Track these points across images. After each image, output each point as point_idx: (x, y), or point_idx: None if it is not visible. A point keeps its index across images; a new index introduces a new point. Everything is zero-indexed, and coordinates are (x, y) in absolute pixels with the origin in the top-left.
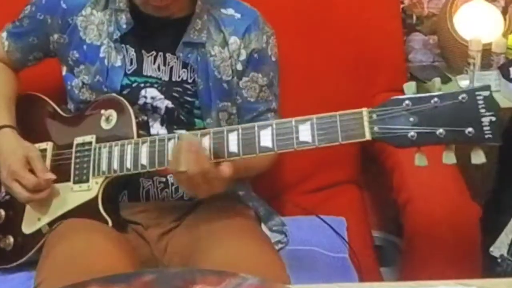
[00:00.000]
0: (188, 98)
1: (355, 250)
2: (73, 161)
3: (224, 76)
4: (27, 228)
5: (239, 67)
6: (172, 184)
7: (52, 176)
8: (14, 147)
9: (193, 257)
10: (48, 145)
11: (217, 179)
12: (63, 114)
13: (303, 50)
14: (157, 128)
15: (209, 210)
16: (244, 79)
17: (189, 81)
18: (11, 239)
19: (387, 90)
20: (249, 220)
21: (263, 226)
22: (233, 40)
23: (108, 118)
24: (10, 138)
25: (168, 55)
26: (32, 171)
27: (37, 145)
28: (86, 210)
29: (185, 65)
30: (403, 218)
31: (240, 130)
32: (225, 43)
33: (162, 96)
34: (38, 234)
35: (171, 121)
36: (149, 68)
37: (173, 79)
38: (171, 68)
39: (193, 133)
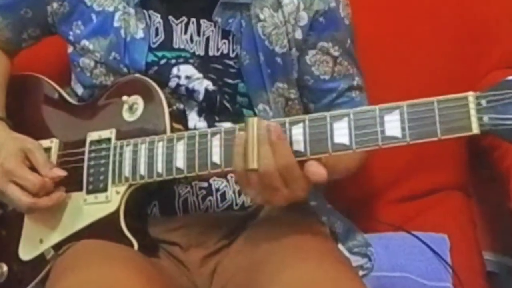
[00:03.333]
0: (229, 80)
1: (461, 278)
2: (86, 164)
3: (278, 47)
4: (26, 252)
5: (299, 35)
6: (217, 190)
7: (61, 172)
8: (5, 141)
9: (252, 285)
10: (52, 143)
11: (302, 182)
12: (72, 102)
13: (390, 19)
14: (193, 120)
15: (269, 224)
16: (311, 52)
17: (231, 55)
18: (4, 268)
19: (503, 66)
20: (323, 238)
21: (340, 247)
22: (289, 0)
23: (132, 107)
24: (1, 131)
25: (202, 21)
26: (32, 168)
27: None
28: (103, 228)
29: (225, 35)
30: None
31: (306, 122)
32: (278, 4)
33: (200, 75)
34: (40, 260)
35: (211, 110)
36: (180, 39)
37: (210, 54)
38: (207, 38)
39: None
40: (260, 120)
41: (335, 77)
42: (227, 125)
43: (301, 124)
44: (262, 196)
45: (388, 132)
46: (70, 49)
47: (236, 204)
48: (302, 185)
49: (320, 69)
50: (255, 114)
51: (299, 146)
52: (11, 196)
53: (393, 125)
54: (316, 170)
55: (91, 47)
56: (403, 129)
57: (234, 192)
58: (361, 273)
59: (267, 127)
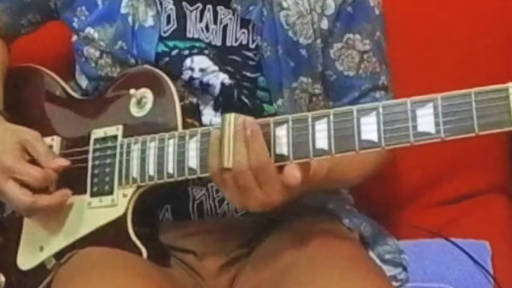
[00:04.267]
0: (249, 73)
1: None
2: (90, 163)
3: (302, 38)
4: (25, 261)
5: (325, 25)
6: None
7: (64, 162)
8: (4, 133)
9: None
10: (54, 141)
11: (277, 184)
12: (75, 96)
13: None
14: (209, 116)
15: (293, 230)
16: (336, 45)
17: (251, 46)
18: (1, 279)
19: None
20: (353, 245)
21: (371, 254)
22: None
23: (141, 101)
24: None
25: (220, 8)
26: (33, 162)
27: None
28: (109, 235)
29: (244, 23)
30: None
31: (331, 117)
32: None
33: (215, 68)
34: (41, 270)
35: (228, 105)
36: (194, 28)
37: (228, 44)
38: (225, 27)
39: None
40: (238, 116)
41: (360, 75)
42: None
43: (325, 119)
44: (238, 199)
45: (421, 128)
46: (74, 37)
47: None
48: (277, 188)
49: (345, 65)
50: (277, 108)
51: (323, 143)
52: (10, 195)
53: (426, 119)
54: (290, 172)
55: (96, 35)
56: (437, 124)
57: None
58: (394, 284)
59: (243, 123)
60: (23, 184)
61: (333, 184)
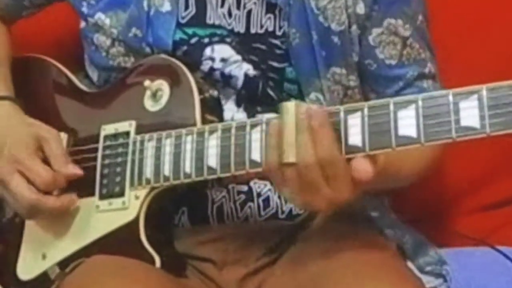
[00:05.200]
0: (275, 63)
1: None
2: (99, 162)
3: (334, 24)
4: (26, 271)
5: (361, 9)
6: (259, 195)
7: (77, 170)
8: (18, 124)
9: None
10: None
11: (347, 180)
12: (84, 89)
13: None
14: (231, 111)
15: (323, 237)
16: (376, 31)
17: (277, 33)
18: None
19: None
20: (389, 255)
21: (409, 264)
22: None
23: (156, 94)
24: (10, 113)
25: None
26: (45, 162)
27: None
28: (119, 241)
29: (270, 8)
30: None
31: (365, 111)
32: None
33: (238, 57)
34: (43, 281)
35: (252, 99)
36: (215, 14)
37: (252, 31)
38: (249, 13)
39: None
40: (299, 104)
41: (403, 62)
42: (271, 116)
43: (358, 113)
44: (301, 197)
45: (464, 122)
46: (82, 23)
47: (282, 212)
48: (347, 185)
49: (386, 52)
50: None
51: (357, 139)
52: (15, 189)
53: (470, 113)
54: (360, 166)
55: (107, 21)
56: (482, 118)
57: (279, 197)
58: None
59: (307, 112)
60: (29, 181)
61: (387, 181)
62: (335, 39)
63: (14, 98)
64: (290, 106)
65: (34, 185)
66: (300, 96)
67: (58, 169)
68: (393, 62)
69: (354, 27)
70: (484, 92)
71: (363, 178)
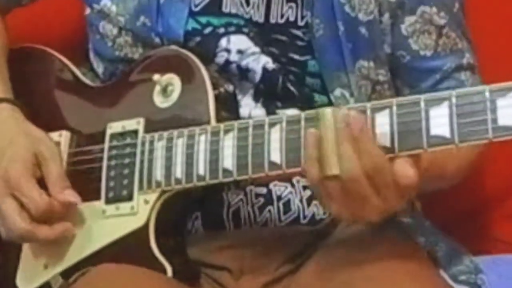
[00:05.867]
0: (296, 56)
1: None
2: (105, 164)
3: (362, 14)
4: (26, 281)
5: None
6: (279, 198)
7: (75, 198)
8: (15, 137)
9: None
10: (62, 137)
11: (393, 187)
12: (88, 83)
13: None
14: (248, 107)
15: (348, 244)
16: (409, 19)
17: (299, 23)
18: None
19: None
20: (420, 263)
21: (442, 273)
22: None
23: (166, 89)
24: (8, 121)
25: None
26: (41, 181)
27: None
28: (127, 249)
29: None
30: None
31: (394, 108)
32: None
33: (256, 49)
34: None
35: (271, 94)
36: (231, 2)
37: (272, 21)
38: (268, 1)
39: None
40: (337, 110)
41: (440, 53)
42: (293, 112)
43: (386, 111)
44: (349, 210)
45: (502, 121)
46: (87, 10)
47: (304, 217)
48: (397, 191)
49: (420, 42)
50: (330, 101)
51: (385, 140)
52: (6, 214)
53: (508, 111)
54: (403, 171)
55: (114, 9)
56: None
57: (301, 200)
58: None
59: (345, 120)
60: (23, 206)
61: (432, 182)
62: (363, 30)
63: (13, 100)
64: (327, 113)
65: (29, 212)
66: (324, 91)
67: (54, 195)
68: (428, 53)
69: (386, 15)
70: None
71: (407, 183)
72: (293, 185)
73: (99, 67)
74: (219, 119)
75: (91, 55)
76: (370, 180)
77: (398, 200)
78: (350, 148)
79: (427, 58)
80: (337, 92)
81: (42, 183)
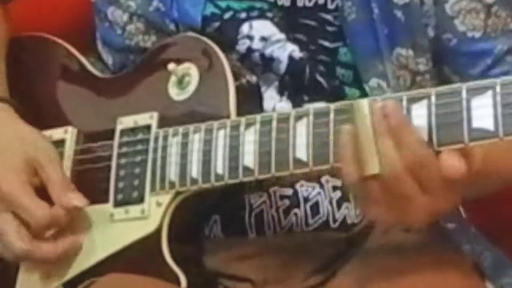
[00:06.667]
0: (326, 43)
1: None
2: (114, 163)
3: None
4: None
5: None
6: (306, 200)
7: (81, 202)
8: (7, 144)
9: None
10: (67, 133)
11: (443, 183)
12: (96, 74)
13: None
14: (272, 100)
15: (385, 252)
16: None
17: (330, 7)
18: None
19: None
20: (465, 274)
21: (488, 285)
22: None
23: (183, 80)
24: (3, 123)
25: None
26: (41, 189)
27: (47, 132)
28: (137, 257)
29: None
30: None
31: (432, 98)
32: None
33: (282, 36)
34: None
35: (298, 86)
36: None
37: (299, 4)
38: None
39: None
40: (373, 102)
41: (489, 34)
42: (320, 105)
43: (424, 102)
44: (391, 213)
45: None
46: None
47: (335, 221)
48: (446, 188)
49: (467, 23)
50: (363, 94)
51: (422, 134)
52: (4, 233)
53: None
54: (449, 161)
55: None
56: None
57: (331, 202)
58: None
59: (382, 110)
60: (23, 222)
61: (488, 183)
62: (398, 13)
63: (8, 99)
64: (363, 105)
65: (28, 228)
66: (355, 84)
67: (56, 200)
68: (477, 34)
69: None
70: None
71: (454, 176)
72: (321, 185)
73: (109, 59)
74: (240, 114)
75: (99, 45)
76: (414, 177)
77: (446, 199)
78: (389, 143)
79: (476, 40)
80: (373, 82)
81: (43, 190)
